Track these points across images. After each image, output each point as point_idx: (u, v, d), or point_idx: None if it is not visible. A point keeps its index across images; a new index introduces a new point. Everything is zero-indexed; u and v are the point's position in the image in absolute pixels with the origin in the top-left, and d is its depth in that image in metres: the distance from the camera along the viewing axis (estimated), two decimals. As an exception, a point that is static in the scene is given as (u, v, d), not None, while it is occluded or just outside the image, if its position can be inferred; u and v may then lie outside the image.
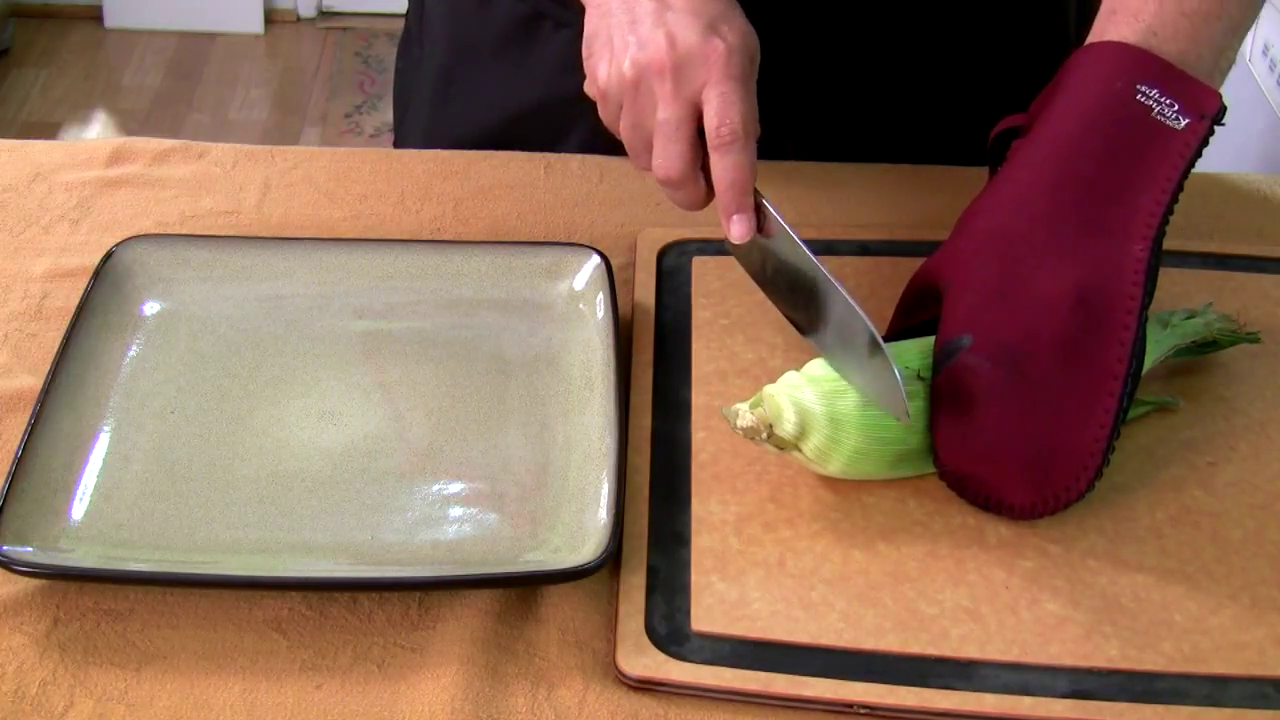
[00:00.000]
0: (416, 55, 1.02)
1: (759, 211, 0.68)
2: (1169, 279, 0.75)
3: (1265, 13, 1.03)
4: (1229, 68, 0.71)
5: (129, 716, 0.59)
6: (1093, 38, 0.71)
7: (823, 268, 0.65)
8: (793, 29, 0.87)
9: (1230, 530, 0.67)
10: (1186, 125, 0.67)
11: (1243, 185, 0.91)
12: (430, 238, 0.84)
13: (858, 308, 0.64)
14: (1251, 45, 1.56)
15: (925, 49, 0.90)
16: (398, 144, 1.08)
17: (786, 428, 0.65)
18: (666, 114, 0.68)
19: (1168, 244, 0.68)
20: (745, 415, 0.65)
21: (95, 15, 3.02)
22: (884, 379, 0.64)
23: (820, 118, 0.92)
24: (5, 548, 0.62)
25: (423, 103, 1.01)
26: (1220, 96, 0.68)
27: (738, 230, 0.67)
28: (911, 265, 0.81)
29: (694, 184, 0.69)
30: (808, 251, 0.66)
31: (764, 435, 0.65)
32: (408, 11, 1.05)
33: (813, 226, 0.83)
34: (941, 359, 0.66)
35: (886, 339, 0.70)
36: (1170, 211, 0.67)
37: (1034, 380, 0.64)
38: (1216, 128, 0.68)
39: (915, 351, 0.68)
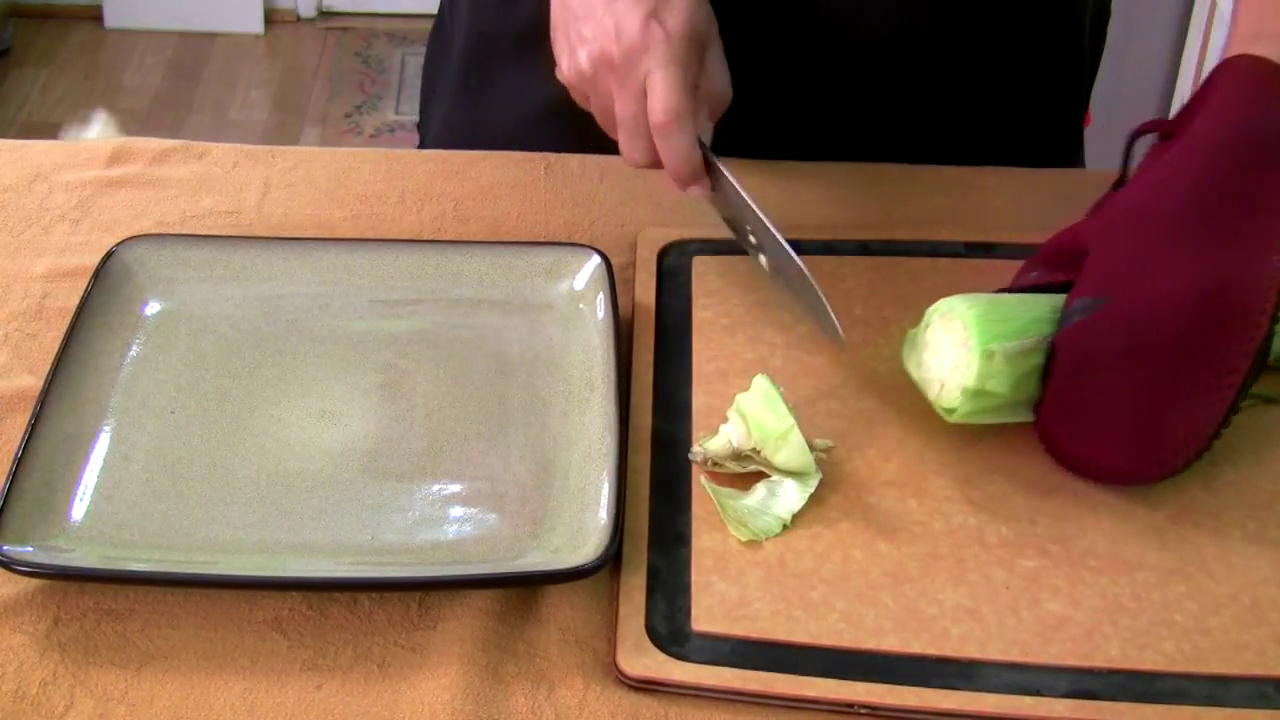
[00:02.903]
0: (446, 38, 1.03)
1: (710, 168, 0.73)
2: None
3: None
4: None
5: (129, 717, 0.59)
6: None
7: (762, 216, 0.71)
8: (796, 31, 0.87)
9: (1231, 529, 0.67)
10: None
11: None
12: (431, 238, 0.84)
13: (785, 243, 0.70)
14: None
15: (929, 52, 0.90)
16: (421, 126, 1.09)
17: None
18: (622, 110, 0.72)
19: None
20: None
21: (95, 15, 3.03)
22: (817, 306, 0.71)
23: (821, 118, 0.92)
24: (5, 547, 0.62)
25: (446, 91, 1.02)
26: None
27: (693, 195, 0.74)
28: (911, 265, 0.81)
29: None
30: (750, 202, 0.71)
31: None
32: None
33: (813, 227, 0.83)
34: (1073, 313, 0.67)
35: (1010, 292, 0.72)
36: None
37: (1156, 355, 0.65)
38: None
39: (1048, 307, 0.68)
